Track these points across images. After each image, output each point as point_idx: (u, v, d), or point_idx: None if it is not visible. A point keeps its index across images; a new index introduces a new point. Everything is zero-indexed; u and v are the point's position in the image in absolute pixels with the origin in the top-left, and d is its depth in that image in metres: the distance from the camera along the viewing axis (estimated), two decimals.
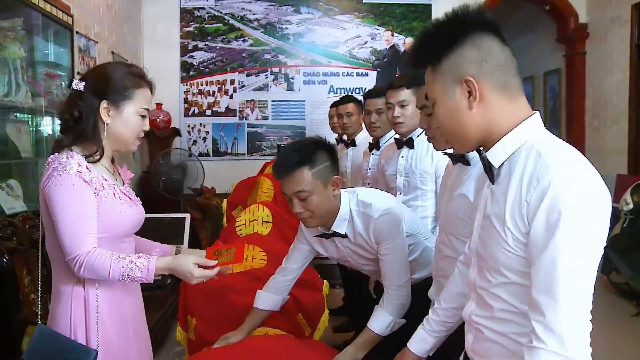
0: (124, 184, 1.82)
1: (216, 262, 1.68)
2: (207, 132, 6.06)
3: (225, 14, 6.04)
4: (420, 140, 2.74)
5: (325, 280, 2.95)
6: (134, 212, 1.76)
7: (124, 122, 1.67)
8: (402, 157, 2.83)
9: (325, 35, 6.16)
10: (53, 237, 1.61)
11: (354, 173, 3.92)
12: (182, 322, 2.50)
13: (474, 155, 1.70)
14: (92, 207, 1.60)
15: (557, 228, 1.05)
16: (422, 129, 2.63)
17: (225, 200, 4.43)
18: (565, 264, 1.05)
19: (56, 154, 1.61)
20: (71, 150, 1.62)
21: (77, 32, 3.96)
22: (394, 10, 6.19)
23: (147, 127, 1.74)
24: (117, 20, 4.98)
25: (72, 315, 1.65)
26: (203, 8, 6.00)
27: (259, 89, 6.11)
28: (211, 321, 2.24)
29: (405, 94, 2.72)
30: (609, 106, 5.81)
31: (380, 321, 1.97)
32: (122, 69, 1.70)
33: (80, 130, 1.64)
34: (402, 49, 6.22)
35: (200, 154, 5.92)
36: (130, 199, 1.77)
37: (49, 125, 3.77)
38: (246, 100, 6.09)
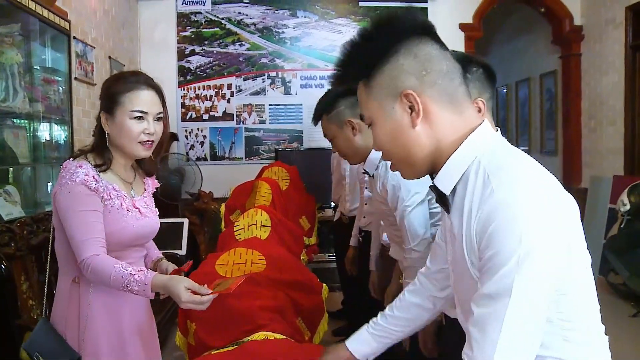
0: (144, 192, 1.88)
1: (210, 291, 1.65)
2: (204, 137, 6.06)
3: (222, 19, 6.05)
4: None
5: (324, 284, 2.95)
6: (140, 224, 1.78)
7: (119, 129, 1.70)
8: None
9: (322, 38, 6.17)
10: (60, 237, 1.70)
11: (352, 177, 3.95)
12: (182, 327, 2.49)
13: (374, 168, 2.05)
14: (98, 213, 1.66)
15: (501, 261, 0.92)
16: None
17: (223, 205, 4.43)
18: (506, 301, 0.92)
19: (70, 160, 1.70)
20: (85, 159, 1.71)
21: (74, 38, 3.96)
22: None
23: (150, 130, 1.72)
24: (114, 25, 4.99)
25: (67, 314, 1.72)
26: (200, 13, 6.01)
27: (256, 93, 6.11)
28: (211, 325, 2.23)
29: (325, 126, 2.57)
30: (604, 107, 5.83)
31: None
32: (115, 76, 1.77)
33: (94, 142, 1.76)
34: None
35: (198, 159, 5.93)
36: (140, 211, 1.79)
37: (47, 131, 3.77)
38: (243, 105, 6.10)
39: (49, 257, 1.94)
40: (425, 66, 1.04)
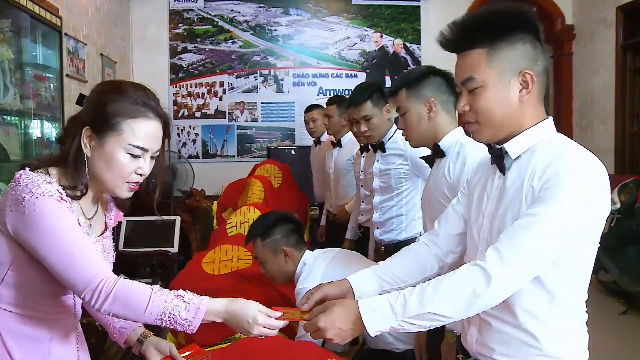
0: (104, 231, 1.44)
1: (281, 314, 1.34)
2: (196, 134, 6.04)
3: (215, 16, 6.04)
4: (392, 143, 2.89)
5: None
6: None
7: (105, 158, 1.28)
8: (378, 160, 2.96)
9: (314, 36, 6.17)
10: None
11: (336, 173, 3.95)
12: None
13: (448, 146, 1.91)
14: (80, 230, 1.27)
15: (551, 194, 1.13)
16: (391, 134, 2.92)
17: (215, 203, 4.42)
18: (542, 226, 1.13)
19: (27, 170, 1.25)
20: (47, 174, 1.27)
21: (65, 34, 3.94)
22: (383, 11, 6.22)
23: (143, 170, 1.32)
24: (105, 22, 4.96)
25: None
26: (192, 10, 5.99)
27: (249, 91, 6.11)
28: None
29: (367, 108, 2.86)
30: (595, 107, 5.87)
31: None
32: (116, 89, 1.32)
33: (62, 154, 1.31)
34: (391, 50, 6.25)
35: (190, 156, 5.91)
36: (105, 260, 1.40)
37: (38, 128, 3.74)
38: (235, 102, 6.09)
39: None
40: (538, 57, 1.25)
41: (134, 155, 1.30)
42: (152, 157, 1.35)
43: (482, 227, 1.31)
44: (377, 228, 2.90)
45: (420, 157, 2.06)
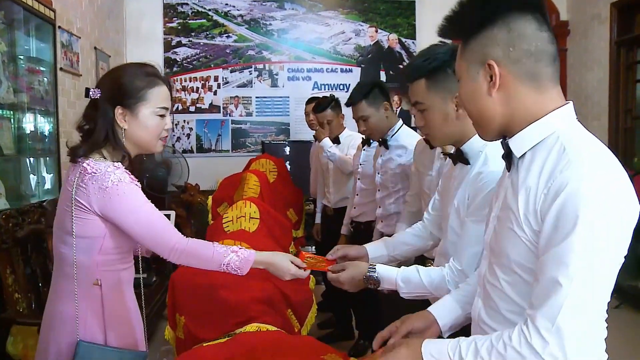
0: None
1: (305, 265, 1.81)
2: (190, 129, 6.02)
3: (209, 10, 6.01)
4: (394, 140, 2.95)
5: (311, 275, 2.95)
6: None
7: (142, 125, 1.63)
8: (381, 156, 3.04)
9: (309, 31, 6.15)
10: (81, 244, 1.59)
11: (335, 169, 3.95)
12: (171, 320, 2.48)
13: (473, 155, 1.61)
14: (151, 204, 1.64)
15: (568, 229, 0.99)
16: (395, 130, 2.95)
17: (210, 197, 4.40)
18: (568, 268, 0.99)
19: (92, 161, 1.58)
20: (101, 156, 1.62)
21: (59, 27, 3.90)
22: (378, 6, 6.21)
23: (169, 126, 1.69)
24: (99, 16, 4.92)
25: (86, 316, 1.61)
26: (186, 4, 5.96)
27: (243, 85, 6.08)
28: (201, 318, 2.22)
29: (363, 109, 2.91)
30: (589, 102, 5.89)
31: None
32: (132, 70, 1.65)
33: (95, 139, 1.61)
34: (386, 45, 6.24)
35: (184, 151, 5.89)
36: None
37: (31, 122, 3.71)
38: (230, 97, 6.07)
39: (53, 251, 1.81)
40: (514, 42, 1.09)
41: (161, 116, 1.65)
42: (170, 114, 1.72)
43: (487, 228, 1.26)
44: (381, 221, 3.02)
45: (443, 154, 1.84)
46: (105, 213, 1.55)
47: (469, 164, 1.62)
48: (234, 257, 1.66)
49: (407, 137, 2.95)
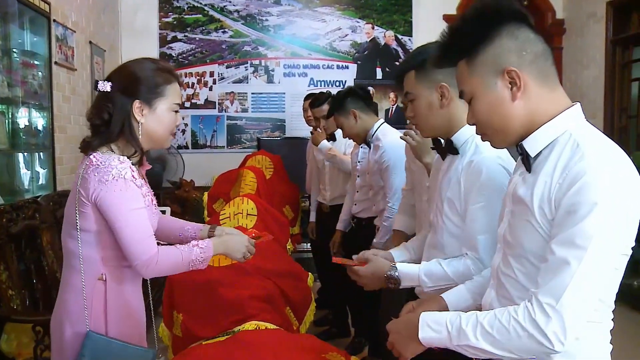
0: (146, 183, 1.78)
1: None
2: (186, 125, 5.97)
3: (205, 5, 5.96)
4: (375, 140, 3.09)
5: (309, 273, 2.95)
6: (156, 218, 1.79)
7: (158, 119, 1.65)
8: (366, 155, 3.23)
9: (305, 27, 6.12)
10: (86, 238, 1.61)
11: (331, 167, 3.94)
12: (167, 319, 2.46)
13: (462, 144, 1.66)
14: (145, 209, 1.64)
15: (580, 217, 1.04)
16: (374, 131, 3.10)
17: (206, 194, 4.38)
18: (585, 251, 1.04)
19: (99, 154, 1.59)
20: (110, 150, 1.62)
21: (54, 21, 3.85)
22: (375, 3, 6.18)
23: (179, 122, 1.73)
24: (94, 10, 4.87)
25: (91, 310, 1.63)
26: None
27: (239, 81, 6.05)
28: (200, 316, 2.21)
29: (336, 119, 3.22)
30: (585, 100, 5.89)
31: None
32: (150, 66, 1.67)
33: (110, 132, 1.62)
34: (382, 42, 6.22)
35: (179, 147, 5.84)
36: (153, 203, 1.77)
37: (26, 117, 3.67)
38: (226, 93, 6.03)
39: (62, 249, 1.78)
40: (524, 47, 1.17)
41: (175, 112, 1.69)
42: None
43: (502, 223, 1.29)
44: (377, 216, 3.15)
45: (432, 147, 1.82)
46: (101, 206, 1.56)
47: (459, 154, 1.67)
48: (197, 250, 1.66)
49: (382, 136, 3.08)
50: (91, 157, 1.58)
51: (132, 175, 1.59)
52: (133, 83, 1.62)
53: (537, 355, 1.10)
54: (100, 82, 1.63)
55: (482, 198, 1.55)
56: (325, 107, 3.85)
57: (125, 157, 1.61)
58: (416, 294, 1.77)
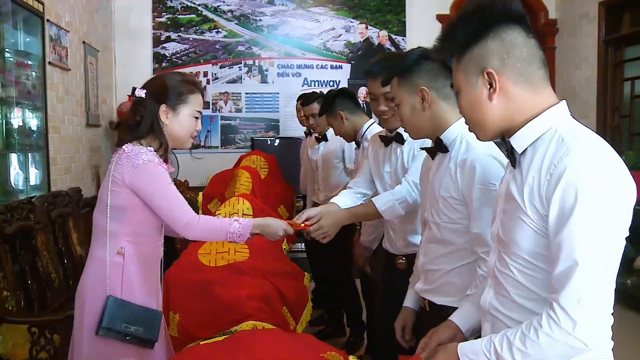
0: None
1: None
2: None
3: (199, 5, 5.95)
4: (365, 140, 3.09)
5: (305, 272, 2.95)
6: None
7: (180, 123, 1.94)
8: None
9: (299, 27, 6.12)
10: (115, 214, 1.88)
11: (325, 166, 3.94)
12: (164, 319, 2.45)
13: (451, 141, 1.71)
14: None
15: (573, 210, 1.07)
16: (364, 131, 3.16)
17: (200, 194, 4.38)
18: (581, 246, 1.06)
19: (130, 145, 1.88)
20: (140, 144, 1.90)
21: (47, 20, 3.84)
22: (368, 3, 6.19)
23: (199, 127, 2.01)
24: (87, 9, 4.85)
25: (111, 279, 1.88)
26: None
27: (233, 81, 6.05)
28: (196, 316, 2.21)
29: (326, 119, 3.42)
30: (577, 100, 5.93)
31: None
32: (178, 78, 1.99)
33: (140, 130, 1.91)
34: (376, 42, 6.23)
35: (173, 147, 5.81)
36: None
37: (20, 117, 3.65)
38: (219, 93, 6.02)
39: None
40: (508, 50, 1.20)
41: (196, 118, 1.97)
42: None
43: (494, 222, 1.31)
44: None
45: (422, 148, 1.87)
46: (136, 187, 1.84)
47: (448, 151, 1.72)
48: (237, 224, 1.93)
49: (370, 134, 3.05)
50: (124, 147, 1.88)
51: (159, 161, 1.88)
52: (162, 90, 1.94)
53: (575, 356, 1.11)
54: (137, 89, 1.95)
55: (481, 194, 1.58)
56: (315, 106, 3.93)
57: (152, 148, 1.89)
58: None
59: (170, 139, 1.94)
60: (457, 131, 1.70)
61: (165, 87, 1.93)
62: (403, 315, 1.93)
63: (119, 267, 1.88)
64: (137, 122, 1.92)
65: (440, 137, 1.74)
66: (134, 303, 1.87)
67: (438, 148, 1.75)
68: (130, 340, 1.86)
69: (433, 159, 1.79)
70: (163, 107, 1.91)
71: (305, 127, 4.41)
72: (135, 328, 1.85)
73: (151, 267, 1.99)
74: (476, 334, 1.49)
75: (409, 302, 1.94)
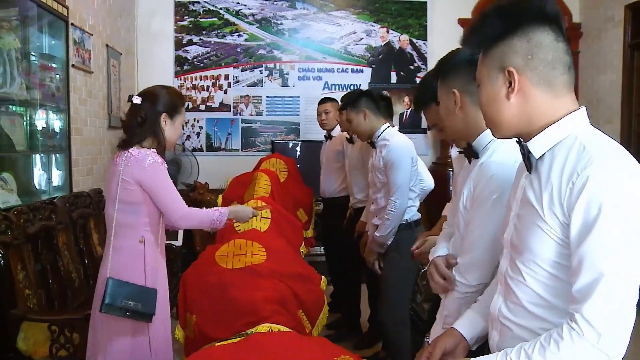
0: None
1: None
2: (200, 127, 6.01)
3: (220, 9, 6.00)
4: (381, 140, 3.25)
5: (322, 276, 2.94)
6: None
7: (174, 129, 2.37)
8: (371, 157, 3.36)
9: (320, 31, 6.13)
10: (132, 209, 2.21)
11: (350, 169, 3.96)
12: (181, 320, 2.47)
13: (482, 148, 1.66)
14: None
15: (597, 220, 1.05)
16: (380, 132, 3.27)
17: (220, 196, 4.39)
18: (605, 258, 1.04)
19: (136, 149, 2.23)
20: (142, 147, 2.24)
21: (72, 24, 3.90)
22: (390, 7, 6.18)
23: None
24: (111, 13, 4.92)
25: (134, 266, 2.21)
26: (198, 2, 5.95)
27: (254, 85, 6.07)
28: (212, 317, 2.22)
29: (346, 113, 3.46)
30: (602, 105, 5.84)
31: None
32: (175, 93, 2.45)
33: (142, 132, 2.27)
34: (397, 46, 6.21)
35: (194, 149, 5.88)
36: None
37: (43, 119, 3.71)
38: (240, 96, 6.06)
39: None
40: (532, 51, 1.18)
41: (183, 126, 2.41)
42: None
43: (507, 227, 1.29)
44: (375, 216, 3.23)
45: (459, 151, 1.83)
46: (143, 183, 2.19)
47: (478, 157, 1.69)
48: (217, 213, 2.37)
49: (389, 137, 3.21)
50: (130, 151, 2.22)
51: (163, 162, 2.24)
52: (164, 101, 2.33)
53: None
54: (134, 96, 2.30)
55: (488, 202, 1.58)
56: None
57: (151, 150, 2.23)
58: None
59: (166, 142, 2.33)
60: (490, 138, 1.63)
61: (166, 99, 2.34)
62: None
63: (141, 254, 2.23)
64: (139, 123, 2.26)
65: (472, 143, 1.70)
66: (129, 282, 2.17)
67: (470, 154, 1.71)
68: (130, 315, 2.14)
69: (470, 163, 1.74)
70: (164, 115, 2.31)
71: (325, 131, 4.47)
72: (134, 303, 2.13)
73: (162, 251, 2.36)
74: (480, 342, 1.47)
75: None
